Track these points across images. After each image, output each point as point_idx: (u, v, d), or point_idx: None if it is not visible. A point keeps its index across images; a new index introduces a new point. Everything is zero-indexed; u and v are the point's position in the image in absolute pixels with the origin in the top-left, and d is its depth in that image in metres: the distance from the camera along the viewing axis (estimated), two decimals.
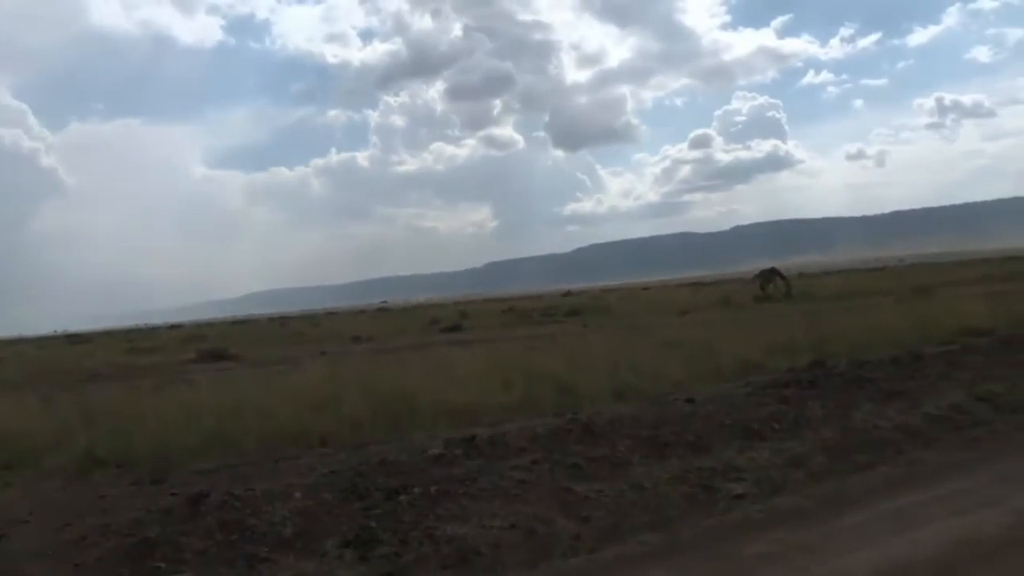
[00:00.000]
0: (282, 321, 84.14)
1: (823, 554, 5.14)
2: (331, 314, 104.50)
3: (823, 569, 4.91)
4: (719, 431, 8.27)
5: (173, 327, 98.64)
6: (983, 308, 18.21)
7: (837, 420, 8.68)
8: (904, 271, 66.29)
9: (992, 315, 16.89)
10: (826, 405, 9.31)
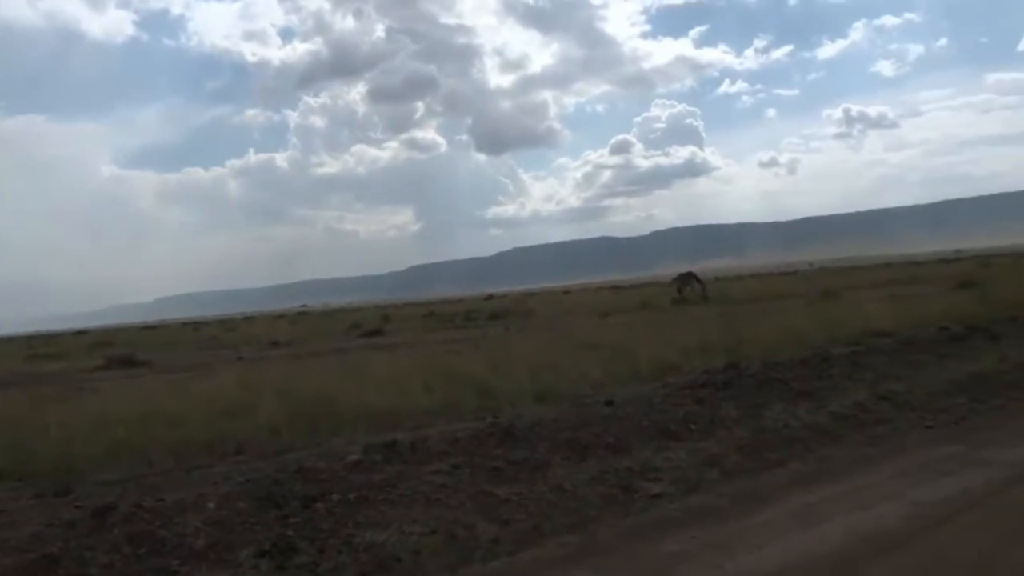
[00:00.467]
0: (196, 326, 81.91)
1: (736, 550, 5.28)
2: (248, 319, 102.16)
3: (735, 565, 5.04)
4: (638, 432, 8.42)
5: (79, 333, 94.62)
6: (886, 311, 19.07)
7: (750, 420, 8.94)
8: (814, 275, 68.83)
9: (894, 317, 17.70)
10: (740, 405, 9.58)
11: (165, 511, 5.99)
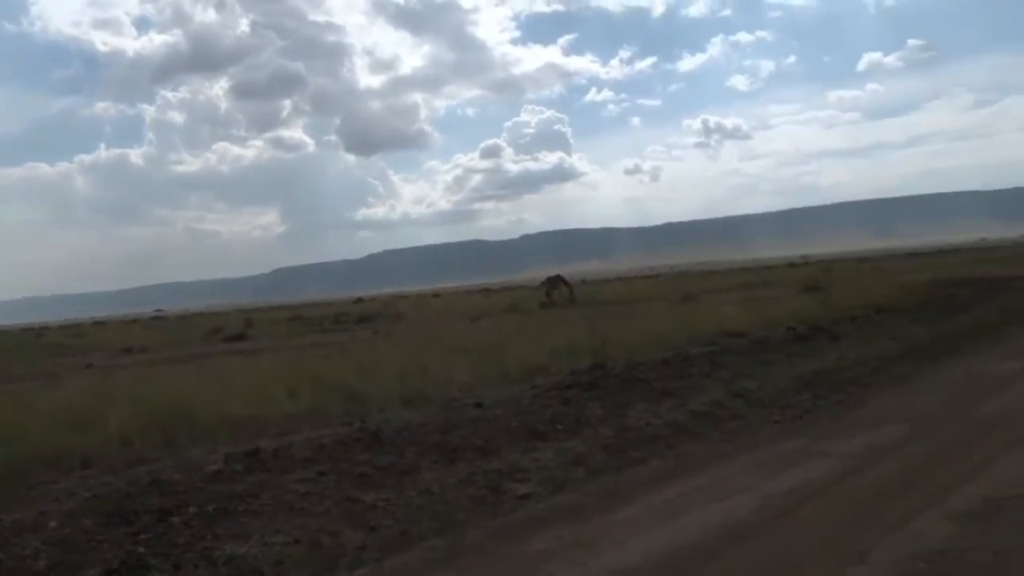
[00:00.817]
0: (39, 332, 76.38)
1: (600, 547, 5.41)
2: (99, 323, 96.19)
3: (599, 561, 5.17)
4: (506, 434, 8.50)
5: None
6: (740, 312, 20.15)
7: (615, 419, 9.21)
8: (675, 278, 71.77)
9: (747, 319, 18.72)
10: (605, 405, 9.86)
11: (2, 533, 5.55)
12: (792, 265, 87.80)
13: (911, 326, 16.78)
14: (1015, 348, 13.91)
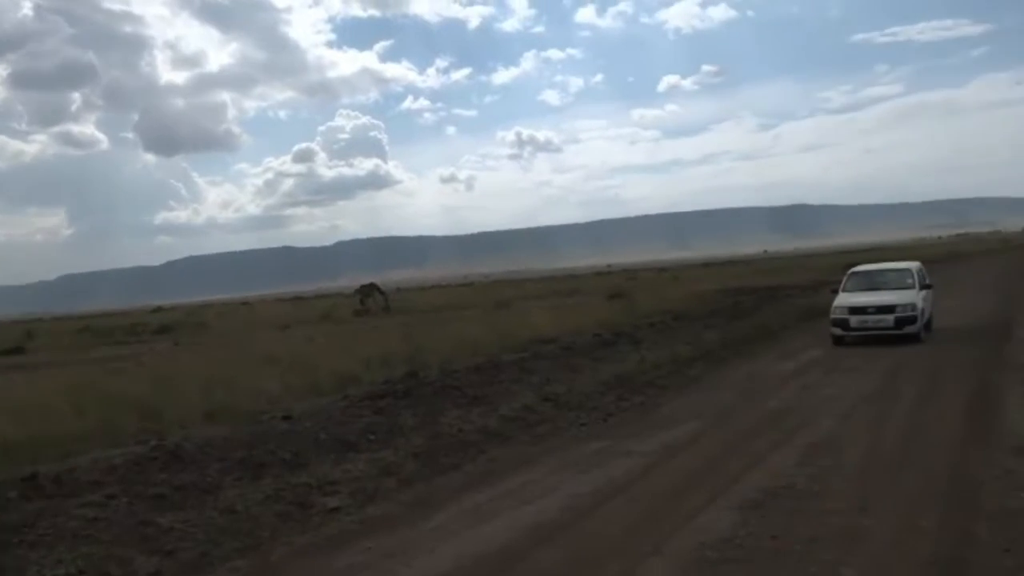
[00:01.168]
0: None
1: (410, 556, 5.40)
2: None
3: (409, 571, 5.15)
4: (316, 446, 8.29)
5: None
6: (550, 319, 20.87)
7: (427, 427, 9.23)
8: (489, 287, 72.98)
9: (557, 325, 19.43)
10: (418, 413, 9.86)
11: None
12: (599, 274, 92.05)
13: (704, 331, 18.07)
14: (789, 349, 15.37)
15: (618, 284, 46.60)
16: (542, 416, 9.95)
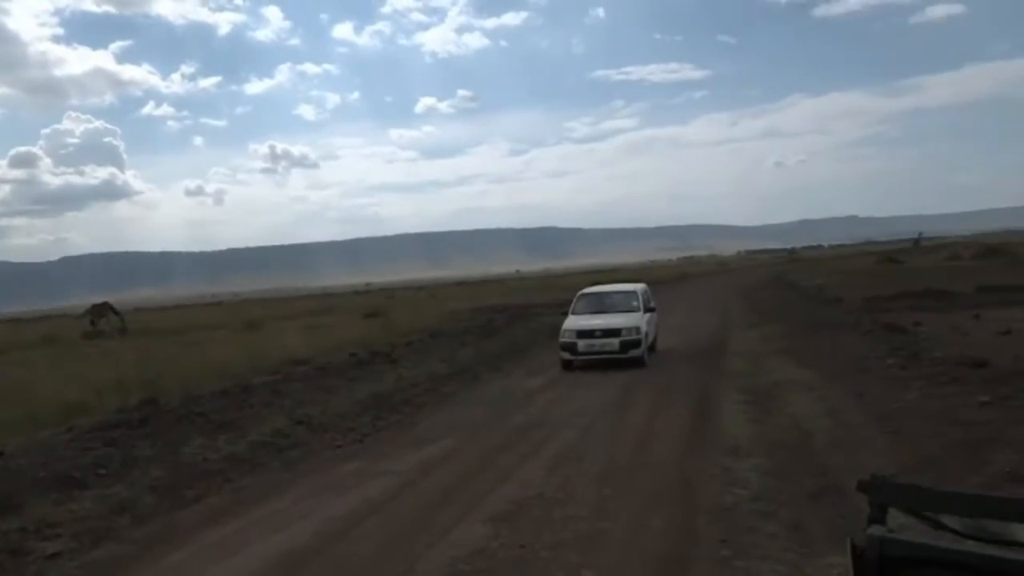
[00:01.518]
0: None
1: None
2: None
3: None
4: (33, 485, 7.43)
5: None
6: (304, 340, 20.30)
7: (168, 457, 8.59)
8: (239, 306, 69.47)
9: (311, 345, 18.93)
10: (156, 443, 9.15)
11: None
12: (357, 293, 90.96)
13: (459, 348, 18.47)
14: (538, 366, 16.10)
15: (376, 303, 46.33)
16: (295, 440, 9.63)
